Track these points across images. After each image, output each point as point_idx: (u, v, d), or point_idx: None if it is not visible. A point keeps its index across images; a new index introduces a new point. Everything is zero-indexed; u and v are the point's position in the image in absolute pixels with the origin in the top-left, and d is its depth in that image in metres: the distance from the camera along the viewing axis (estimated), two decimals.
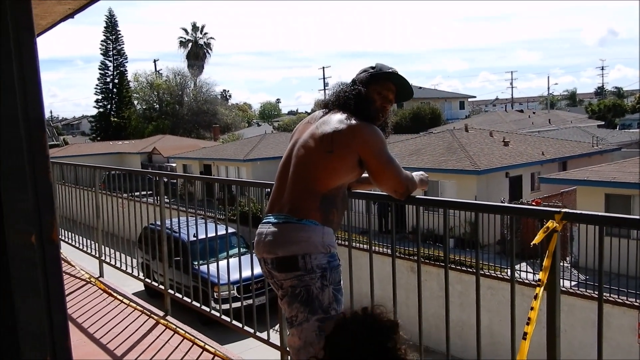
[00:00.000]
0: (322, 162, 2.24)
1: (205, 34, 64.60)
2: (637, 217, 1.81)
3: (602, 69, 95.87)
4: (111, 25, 56.54)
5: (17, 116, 0.82)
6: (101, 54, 57.08)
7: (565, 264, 13.91)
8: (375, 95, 2.41)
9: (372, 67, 2.48)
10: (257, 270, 5.00)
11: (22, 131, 0.79)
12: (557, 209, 1.87)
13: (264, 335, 3.75)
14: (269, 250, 2.26)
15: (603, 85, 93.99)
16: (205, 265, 4.61)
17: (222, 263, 5.17)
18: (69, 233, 6.94)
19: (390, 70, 2.46)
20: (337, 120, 2.29)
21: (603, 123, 50.53)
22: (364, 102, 2.36)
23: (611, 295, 10.22)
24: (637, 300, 9.85)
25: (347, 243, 3.06)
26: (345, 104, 2.36)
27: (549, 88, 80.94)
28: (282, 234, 2.23)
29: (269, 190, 2.72)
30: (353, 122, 2.28)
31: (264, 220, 2.36)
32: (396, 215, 2.60)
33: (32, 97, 0.81)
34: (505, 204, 2.28)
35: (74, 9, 4.41)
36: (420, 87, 64.06)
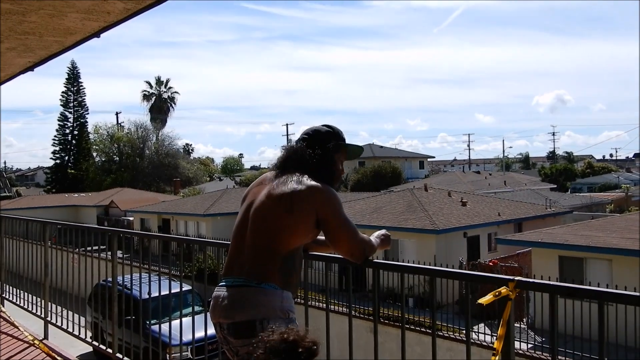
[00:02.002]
0: (281, 223, 2.22)
1: (170, 87, 65.01)
2: (588, 287, 1.84)
3: (554, 134, 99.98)
4: (73, 77, 56.27)
5: None
6: (61, 105, 56.51)
7: (522, 325, 14.00)
8: (339, 163, 2.52)
9: (331, 130, 2.51)
10: (212, 330, 4.86)
11: None
12: (511, 277, 1.89)
13: None
14: (226, 314, 2.19)
15: (555, 150, 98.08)
16: (158, 325, 4.43)
17: (176, 322, 5.00)
18: (15, 289, 6.61)
19: (360, 146, 2.63)
20: (295, 180, 2.30)
21: (555, 186, 52.35)
22: (330, 167, 2.42)
23: (566, 358, 10.27)
24: None
25: (303, 301, 3.00)
26: (305, 165, 2.36)
27: (504, 151, 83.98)
28: (240, 298, 2.17)
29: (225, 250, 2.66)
30: (312, 182, 2.29)
31: (221, 283, 2.30)
32: (355, 274, 2.58)
33: None
34: (461, 271, 2.29)
35: (34, 62, 4.40)
36: (382, 146, 65.43)
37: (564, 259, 16.18)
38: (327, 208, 2.27)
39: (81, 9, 3.13)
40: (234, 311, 2.17)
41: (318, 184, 2.30)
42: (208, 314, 2.40)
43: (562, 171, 65.76)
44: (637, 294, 1.71)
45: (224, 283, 2.28)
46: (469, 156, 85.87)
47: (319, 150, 2.41)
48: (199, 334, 4.14)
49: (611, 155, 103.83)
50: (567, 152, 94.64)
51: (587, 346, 10.17)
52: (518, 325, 13.91)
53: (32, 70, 4.75)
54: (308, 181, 2.29)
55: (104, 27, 3.45)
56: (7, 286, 6.59)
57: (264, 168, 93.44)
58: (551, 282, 1.94)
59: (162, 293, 4.34)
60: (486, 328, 12.27)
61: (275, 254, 2.21)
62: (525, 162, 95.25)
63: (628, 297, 1.71)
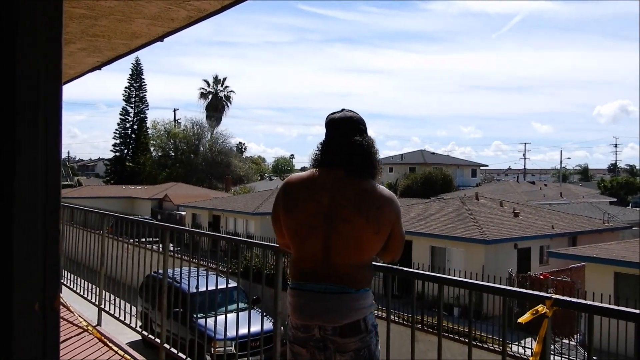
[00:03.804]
0: (371, 241, 2.39)
1: (226, 87, 66.27)
2: (624, 309, 1.84)
3: (616, 146, 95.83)
4: (136, 73, 58.29)
5: (36, 173, 0.90)
6: (123, 99, 58.64)
7: (572, 342, 13.57)
8: None
9: (361, 124, 2.56)
10: (255, 327, 4.99)
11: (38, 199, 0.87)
12: (549, 295, 1.91)
13: None
14: (333, 319, 2.35)
15: (616, 162, 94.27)
16: (204, 319, 4.60)
17: (221, 318, 5.16)
18: (73, 275, 6.96)
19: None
20: (376, 196, 2.40)
21: (615, 200, 50.33)
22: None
23: None
24: None
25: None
26: (373, 168, 2.46)
27: (561, 161, 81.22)
28: (346, 304, 2.36)
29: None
30: (390, 198, 2.43)
31: (310, 288, 2.40)
32: (400, 281, 2.64)
33: (52, 177, 0.89)
34: (498, 286, 2.32)
35: (101, 62, 4.66)
36: (434, 153, 64.66)
37: (619, 275, 15.58)
38: (398, 223, 2.46)
39: (148, 16, 3.32)
40: (342, 316, 2.34)
41: (393, 197, 2.45)
42: (252, 311, 2.52)
43: (623, 184, 63.12)
44: None
45: (312, 288, 2.39)
46: (524, 166, 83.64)
47: (375, 149, 2.50)
48: (243, 330, 4.27)
49: None
50: (629, 165, 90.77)
51: None
52: (568, 342, 13.50)
53: (100, 69, 5.04)
54: (387, 196, 2.42)
55: (168, 32, 3.65)
56: (66, 272, 6.95)
57: None
58: (588, 302, 1.94)
59: (210, 288, 4.50)
60: (532, 341, 11.98)
61: (365, 264, 2.43)
62: (584, 173, 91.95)
63: None
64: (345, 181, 2.41)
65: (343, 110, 2.58)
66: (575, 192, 48.19)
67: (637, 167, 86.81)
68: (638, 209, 42.91)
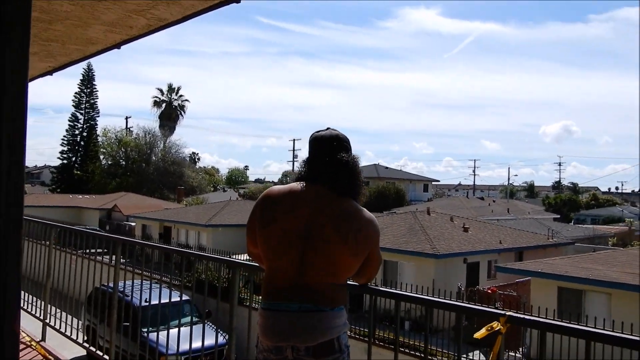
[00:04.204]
0: (347, 263, 2.35)
1: (181, 96, 65.41)
2: (576, 326, 1.90)
3: (560, 164, 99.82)
4: (88, 79, 56.87)
5: None
6: (73, 106, 57.04)
7: (518, 355, 13.93)
8: None
9: (346, 143, 2.55)
10: (209, 341, 4.90)
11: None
12: (502, 312, 1.95)
13: None
14: (307, 339, 2.30)
15: (560, 180, 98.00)
16: (154, 333, 4.48)
17: (173, 332, 5.04)
18: None
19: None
20: (357, 218, 2.37)
21: (559, 216, 52.24)
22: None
23: None
24: None
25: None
26: (356, 189, 2.44)
27: (509, 178, 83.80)
28: (320, 323, 2.30)
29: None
30: (371, 221, 2.40)
31: (283, 308, 2.34)
32: (352, 296, 2.64)
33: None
34: (454, 302, 2.36)
35: (54, 67, 4.52)
36: (387, 167, 65.53)
37: (563, 290, 16.14)
38: (376, 246, 2.44)
39: (105, 22, 3.24)
40: (315, 335, 2.29)
41: (374, 220, 2.42)
42: (206, 325, 2.45)
43: (567, 201, 65.68)
44: (623, 335, 1.76)
45: (285, 308, 2.33)
46: (474, 182, 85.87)
47: (358, 170, 2.49)
48: (196, 344, 4.18)
49: (617, 188, 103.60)
50: (572, 183, 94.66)
51: None
52: (514, 354, 13.84)
53: (51, 75, 4.88)
54: (368, 219, 2.39)
55: (125, 39, 3.57)
56: None
57: (268, 181, 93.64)
58: (541, 319, 2.00)
59: (160, 301, 4.39)
60: (481, 355, 12.23)
61: (341, 284, 2.39)
62: (530, 190, 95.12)
63: (614, 339, 1.76)
64: (327, 198, 2.38)
65: (328, 128, 2.55)
66: (521, 209, 49.76)
67: (580, 185, 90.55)
68: (580, 225, 44.67)
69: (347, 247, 2.30)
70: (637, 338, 1.71)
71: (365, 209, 2.41)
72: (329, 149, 2.46)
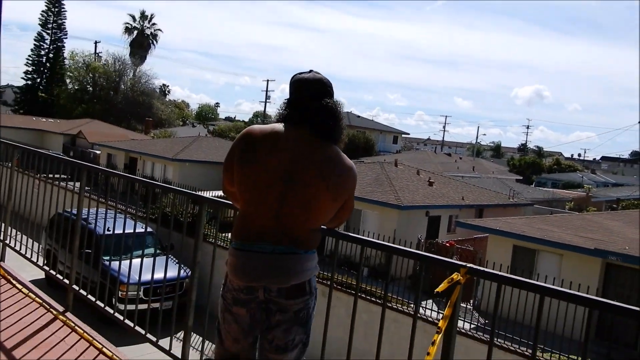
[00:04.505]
0: (327, 207, 2.35)
1: (153, 24, 63.24)
2: (531, 281, 1.98)
3: (528, 127, 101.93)
4: None
5: None
6: (39, 24, 54.55)
7: (469, 306, 14.53)
8: None
9: (330, 88, 2.50)
10: (172, 273, 4.93)
11: None
12: (463, 264, 2.02)
13: (165, 343, 3.70)
14: (280, 280, 2.30)
15: (526, 143, 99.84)
16: (116, 262, 4.49)
17: (134, 262, 5.06)
18: None
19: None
20: (339, 164, 2.35)
21: (521, 178, 53.49)
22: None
23: (505, 342, 10.77)
24: (528, 350, 10.43)
25: None
26: (339, 134, 2.41)
27: (477, 137, 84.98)
28: (293, 265, 2.31)
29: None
30: (351, 168, 2.39)
31: (257, 249, 2.32)
32: None
33: None
34: (417, 252, 2.42)
35: None
36: (359, 116, 65.42)
37: (518, 248, 16.74)
38: (353, 193, 2.45)
39: None
40: (288, 277, 2.30)
41: (353, 167, 2.40)
42: (170, 258, 2.44)
43: (530, 164, 67.16)
44: (572, 292, 1.85)
45: (259, 249, 2.32)
46: (443, 138, 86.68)
47: (341, 114, 2.45)
48: (158, 276, 4.22)
49: (580, 155, 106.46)
50: (537, 147, 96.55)
51: (525, 332, 10.66)
52: (464, 305, 14.43)
53: None
54: (349, 166, 2.37)
55: None
56: None
57: (239, 120, 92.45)
58: (500, 273, 2.08)
59: (124, 231, 4.37)
60: (434, 304, 12.70)
61: (316, 228, 2.39)
62: (497, 150, 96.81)
63: (565, 295, 1.86)
64: (310, 142, 2.34)
65: (312, 71, 2.49)
66: (486, 167, 50.71)
67: (545, 150, 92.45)
68: (540, 188, 45.91)
69: (328, 192, 2.29)
70: (586, 295, 1.80)
71: (345, 155, 2.40)
72: (314, 93, 2.41)
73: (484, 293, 14.70)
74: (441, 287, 2.07)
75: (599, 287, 14.37)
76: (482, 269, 2.05)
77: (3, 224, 5.71)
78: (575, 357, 10.66)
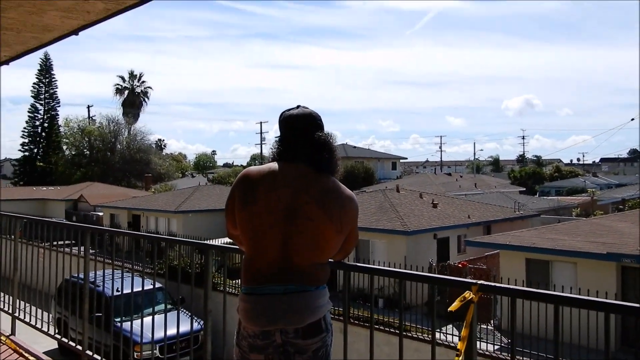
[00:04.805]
0: (333, 240, 2.34)
1: (143, 82, 64.13)
2: (544, 291, 1.96)
3: (523, 138, 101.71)
4: (45, 69, 55.25)
5: None
6: (32, 96, 55.40)
7: (489, 327, 14.30)
8: None
9: (320, 121, 2.52)
10: (185, 328, 4.88)
11: None
12: (474, 281, 2.00)
13: None
14: (296, 321, 2.26)
15: (524, 153, 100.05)
16: (127, 322, 4.45)
17: (146, 320, 5.01)
18: None
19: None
20: (340, 195, 2.35)
21: (524, 189, 53.39)
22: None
23: (524, 358, 10.56)
24: None
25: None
26: (334, 166, 2.43)
27: (474, 153, 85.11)
28: (307, 304, 2.28)
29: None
30: (352, 198, 2.40)
31: (268, 291, 2.29)
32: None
33: None
34: (426, 274, 2.40)
35: (9, 56, 4.36)
36: (355, 147, 65.75)
37: (530, 261, 16.56)
38: (356, 223, 2.43)
39: (61, 8, 3.13)
40: (304, 316, 2.26)
41: (354, 197, 2.41)
42: (181, 312, 2.42)
43: (531, 174, 67.12)
44: (588, 298, 1.83)
45: (270, 291, 2.28)
46: (441, 158, 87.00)
47: (335, 150, 2.46)
48: (170, 332, 4.17)
49: (578, 159, 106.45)
50: (536, 156, 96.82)
51: (550, 347, 10.46)
52: (485, 327, 14.20)
53: (8, 65, 4.71)
54: (350, 196, 2.38)
55: (83, 25, 3.46)
56: None
57: (237, 165, 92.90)
58: (510, 286, 2.05)
59: (132, 290, 4.34)
60: (454, 329, 12.50)
61: (324, 262, 2.37)
62: (496, 164, 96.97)
63: (579, 301, 1.83)
64: (307, 176, 2.35)
65: (299, 106, 2.51)
66: (488, 183, 50.69)
67: (543, 158, 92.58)
68: (545, 197, 45.78)
69: (332, 224, 2.28)
70: (601, 300, 1.77)
71: (344, 186, 2.40)
72: (305, 128, 2.43)
73: (502, 312, 14.48)
74: (454, 306, 2.04)
75: (617, 292, 14.16)
76: (493, 284, 2.03)
77: (11, 297, 5.68)
78: None
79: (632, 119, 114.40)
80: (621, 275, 14.90)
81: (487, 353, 10.87)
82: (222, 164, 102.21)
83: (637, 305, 1.71)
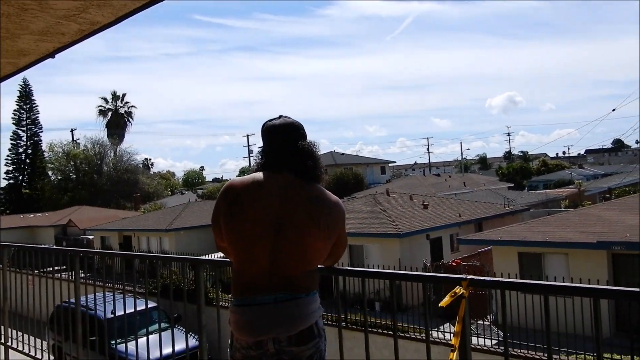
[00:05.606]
0: (321, 247, 2.35)
1: (126, 102, 63.90)
2: (532, 281, 1.98)
3: (509, 134, 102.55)
4: (25, 95, 54.86)
5: None
6: (13, 123, 54.93)
7: (486, 323, 14.33)
8: None
9: (302, 130, 2.54)
10: (180, 346, 4.85)
11: None
12: (464, 277, 2.01)
13: None
14: (287, 328, 2.26)
15: (510, 150, 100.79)
16: (123, 344, 4.41)
17: (142, 340, 4.97)
18: None
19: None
20: (325, 202, 2.36)
21: (512, 185, 53.72)
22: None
23: (529, 352, 10.59)
24: (544, 355, 10.26)
25: None
26: (319, 173, 2.44)
27: (462, 153, 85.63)
28: (299, 311, 2.28)
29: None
30: (338, 203, 2.41)
31: (258, 302, 2.28)
32: (321, 283, 2.64)
33: None
34: (415, 273, 2.41)
35: None
36: (343, 154, 65.90)
37: (523, 255, 16.66)
38: (344, 228, 2.45)
39: (35, 31, 3.12)
40: (295, 323, 2.27)
41: (340, 202, 2.42)
42: (175, 329, 2.41)
43: (519, 170, 67.51)
44: (574, 284, 1.84)
45: (260, 301, 2.27)
46: (429, 159, 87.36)
47: (318, 156, 2.48)
48: (167, 350, 4.14)
49: (564, 152, 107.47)
50: (522, 152, 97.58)
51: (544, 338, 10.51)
52: (482, 322, 14.24)
53: None
54: (335, 202, 2.39)
55: (59, 47, 3.45)
56: None
57: (226, 179, 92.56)
58: (501, 279, 2.07)
59: (126, 311, 4.31)
60: (451, 327, 12.52)
61: (314, 269, 2.37)
62: (483, 162, 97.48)
63: (568, 289, 1.85)
64: (292, 184, 2.35)
65: (281, 116, 2.53)
66: (476, 181, 50.97)
67: (529, 153, 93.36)
68: (533, 191, 46.11)
69: (320, 231, 2.29)
70: (588, 286, 1.79)
71: (329, 192, 2.41)
72: (288, 137, 2.45)
73: (497, 307, 14.53)
74: (445, 302, 2.06)
75: (608, 280, 14.27)
76: (482, 278, 2.04)
77: (2, 327, 5.61)
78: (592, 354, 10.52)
79: (614, 110, 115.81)
80: (612, 262, 15.03)
81: (485, 348, 10.90)
82: (211, 179, 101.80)
83: (623, 288, 1.73)
